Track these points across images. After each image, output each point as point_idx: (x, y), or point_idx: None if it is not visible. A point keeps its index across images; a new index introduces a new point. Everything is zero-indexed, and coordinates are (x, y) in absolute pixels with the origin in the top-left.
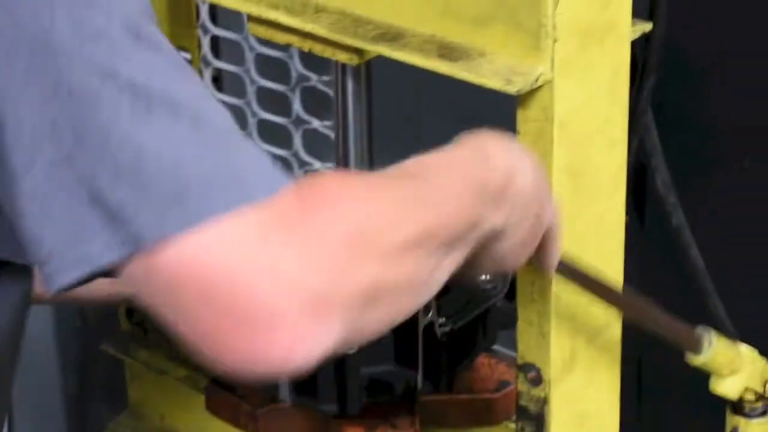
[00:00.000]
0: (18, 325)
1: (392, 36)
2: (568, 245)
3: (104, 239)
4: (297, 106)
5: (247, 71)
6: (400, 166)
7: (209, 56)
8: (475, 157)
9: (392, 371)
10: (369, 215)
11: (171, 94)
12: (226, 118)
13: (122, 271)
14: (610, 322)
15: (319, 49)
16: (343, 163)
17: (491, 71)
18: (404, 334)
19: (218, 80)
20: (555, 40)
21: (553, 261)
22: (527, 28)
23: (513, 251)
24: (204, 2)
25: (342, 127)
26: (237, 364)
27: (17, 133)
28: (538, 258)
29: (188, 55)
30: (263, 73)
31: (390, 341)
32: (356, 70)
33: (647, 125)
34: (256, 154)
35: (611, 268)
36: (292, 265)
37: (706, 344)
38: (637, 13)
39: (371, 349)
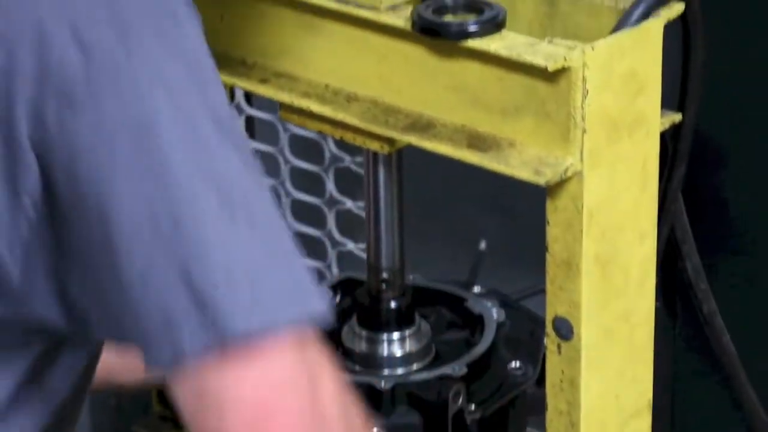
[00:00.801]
0: (78, 393)
1: (422, 126)
2: (597, 336)
3: (194, 325)
4: (330, 186)
5: (281, 151)
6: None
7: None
8: None
9: None
10: None
11: (249, 201)
12: (283, 222)
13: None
14: (640, 410)
15: (350, 137)
16: (374, 247)
17: (520, 162)
18: (434, 421)
19: None
20: (584, 131)
21: None
22: (556, 120)
23: None
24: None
25: (373, 213)
26: None
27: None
28: None
29: None
30: (297, 154)
31: (420, 428)
32: (388, 157)
33: (678, 213)
34: (305, 264)
35: (641, 358)
36: None
37: None
38: (666, 103)
39: None
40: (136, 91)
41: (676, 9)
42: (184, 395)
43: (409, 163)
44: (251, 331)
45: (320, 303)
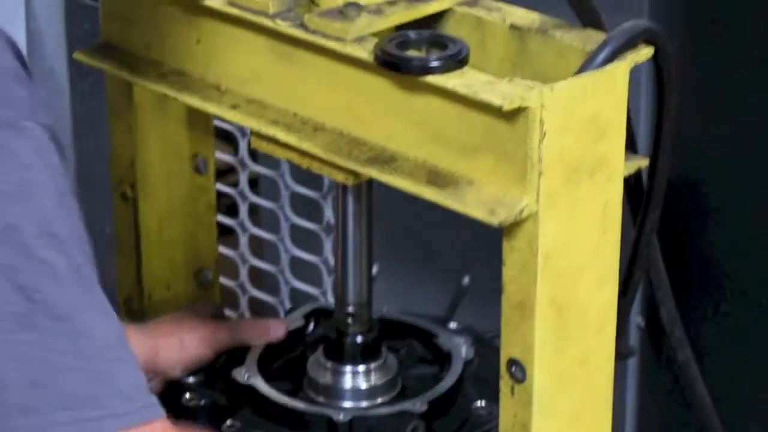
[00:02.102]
0: None
1: (384, 159)
2: (550, 380)
3: None
4: (328, 213)
5: (282, 176)
6: None
7: (246, 190)
8: None
9: None
10: None
11: (57, 305)
12: (113, 327)
13: None
14: None
15: (317, 167)
16: (341, 281)
17: (476, 200)
18: None
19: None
20: (541, 173)
21: None
22: (514, 160)
23: None
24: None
25: (341, 245)
26: None
27: None
28: None
29: (205, 160)
30: (297, 179)
31: None
32: (356, 188)
33: (653, 258)
34: (136, 372)
35: (599, 404)
36: None
37: None
38: (642, 146)
39: None
40: None
41: (644, 53)
42: None
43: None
44: None
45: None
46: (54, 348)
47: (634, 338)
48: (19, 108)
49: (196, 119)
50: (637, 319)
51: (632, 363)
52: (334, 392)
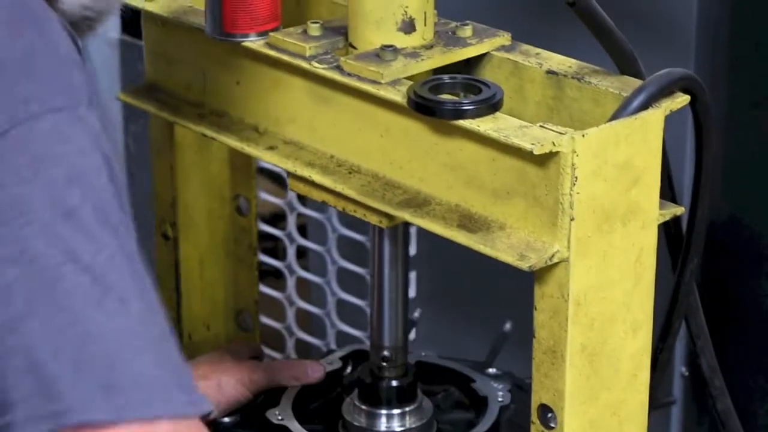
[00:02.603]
0: None
1: (418, 203)
2: (581, 428)
3: (32, 408)
4: None
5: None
6: None
7: (294, 233)
8: None
9: None
10: None
11: (123, 289)
12: (164, 320)
13: None
14: None
15: (351, 209)
16: (377, 324)
17: (507, 245)
18: None
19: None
20: (572, 219)
21: None
22: (545, 205)
23: None
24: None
25: (377, 289)
26: None
27: None
28: None
29: (247, 202)
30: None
31: None
32: (392, 231)
33: (693, 306)
34: (184, 365)
35: None
36: None
37: None
38: (680, 195)
39: None
40: (17, 172)
41: (680, 101)
42: None
43: None
44: (87, 421)
45: (189, 404)
46: (124, 328)
47: (677, 387)
48: (76, 94)
49: (239, 160)
50: (680, 368)
51: (675, 412)
52: None
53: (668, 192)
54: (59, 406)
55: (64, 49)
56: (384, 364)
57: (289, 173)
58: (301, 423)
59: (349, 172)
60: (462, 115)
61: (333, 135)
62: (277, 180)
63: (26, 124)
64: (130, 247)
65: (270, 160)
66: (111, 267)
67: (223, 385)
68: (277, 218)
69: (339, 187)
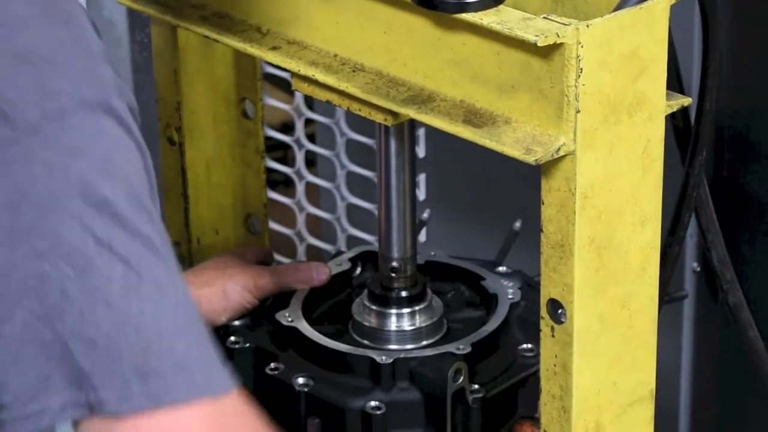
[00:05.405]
0: None
1: (422, 99)
2: (591, 321)
3: (67, 398)
4: None
5: (337, 123)
6: None
7: (303, 139)
8: None
9: None
10: None
11: (158, 274)
12: (195, 306)
13: (79, 428)
14: (640, 399)
15: (356, 108)
16: (385, 236)
17: (513, 139)
18: (434, 399)
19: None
20: (578, 111)
21: None
22: (550, 98)
23: None
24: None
25: (384, 199)
26: None
27: (3, 279)
28: None
29: (253, 105)
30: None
31: (420, 405)
32: (397, 129)
33: (702, 200)
34: (213, 347)
35: (641, 346)
36: None
37: None
38: (687, 87)
39: (400, 412)
40: (51, 162)
41: None
42: None
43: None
44: (126, 408)
45: (225, 383)
46: (163, 314)
47: (690, 283)
48: (106, 87)
49: (243, 63)
50: (692, 263)
51: (688, 308)
52: (378, 335)
53: (676, 84)
54: (95, 395)
55: (92, 43)
56: (393, 275)
57: (293, 73)
58: (310, 324)
59: (353, 71)
60: (465, 8)
61: (336, 33)
62: (286, 88)
63: (57, 118)
64: (161, 234)
65: (273, 60)
66: (144, 255)
67: (228, 291)
68: (286, 128)
69: (343, 86)
